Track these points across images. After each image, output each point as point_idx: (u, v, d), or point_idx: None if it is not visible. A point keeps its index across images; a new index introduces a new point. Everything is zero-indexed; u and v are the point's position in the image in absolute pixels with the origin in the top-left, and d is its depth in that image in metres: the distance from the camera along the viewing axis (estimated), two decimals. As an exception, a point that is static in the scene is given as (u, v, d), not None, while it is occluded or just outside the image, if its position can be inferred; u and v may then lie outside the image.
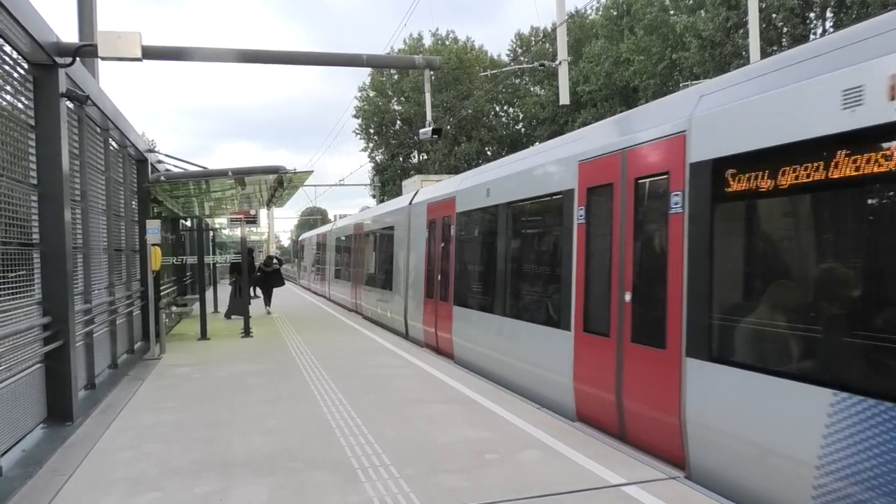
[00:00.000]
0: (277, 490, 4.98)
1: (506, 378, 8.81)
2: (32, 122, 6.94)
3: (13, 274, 6.23)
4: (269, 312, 19.52)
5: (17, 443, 6.11)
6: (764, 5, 26.41)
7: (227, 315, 18.33)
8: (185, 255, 19.66)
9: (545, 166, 8.05)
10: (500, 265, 9.20)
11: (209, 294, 19.41)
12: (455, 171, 37.97)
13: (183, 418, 7.27)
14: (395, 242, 15.62)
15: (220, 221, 22.97)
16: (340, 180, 49.18)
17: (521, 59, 44.28)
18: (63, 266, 7.10)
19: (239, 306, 17.96)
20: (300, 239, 45.14)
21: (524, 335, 8.37)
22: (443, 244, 11.85)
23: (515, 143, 45.75)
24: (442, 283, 11.82)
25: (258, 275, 20.34)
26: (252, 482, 5.17)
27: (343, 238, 24.16)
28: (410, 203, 14.30)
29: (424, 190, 14.34)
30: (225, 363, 10.84)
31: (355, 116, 53.95)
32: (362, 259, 20.09)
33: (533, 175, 8.37)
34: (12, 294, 6.21)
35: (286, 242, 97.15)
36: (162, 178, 12.26)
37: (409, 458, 5.66)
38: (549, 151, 8.30)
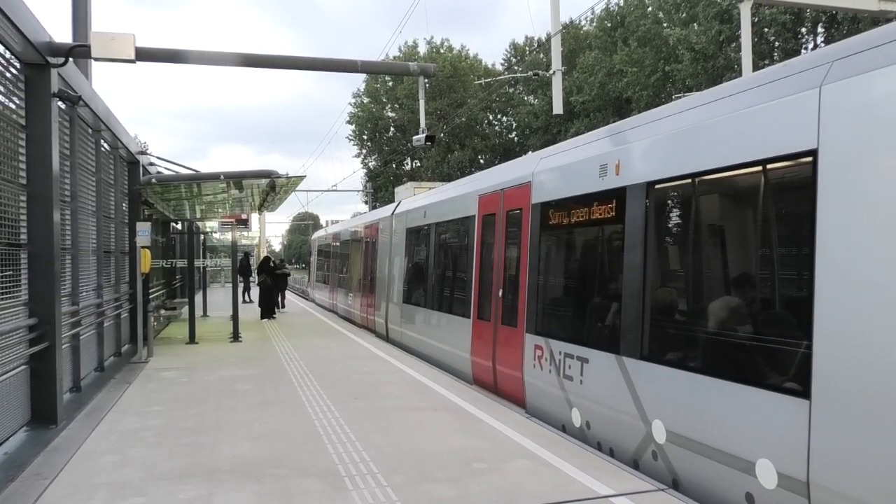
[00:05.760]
0: (264, 497, 4.93)
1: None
2: (23, 122, 6.89)
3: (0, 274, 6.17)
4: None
5: (-1, 445, 6.02)
6: (756, 19, 26.66)
7: (263, 317, 19.26)
8: (176, 258, 19.59)
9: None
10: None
11: (199, 297, 19.31)
12: (448, 178, 37.89)
13: (169, 423, 7.20)
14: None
15: (211, 225, 22.81)
16: (333, 186, 49.01)
17: (515, 68, 44.46)
18: (51, 267, 7.03)
19: (269, 307, 19.68)
20: (314, 238, 32.17)
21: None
22: None
23: (508, 152, 45.84)
24: None
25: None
26: (238, 489, 5.12)
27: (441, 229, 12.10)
28: None
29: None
30: (213, 368, 10.76)
31: (349, 122, 54.00)
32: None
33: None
34: (-2, 295, 6.14)
35: (277, 247, 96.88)
36: (153, 180, 12.18)
37: (397, 466, 5.62)
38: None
